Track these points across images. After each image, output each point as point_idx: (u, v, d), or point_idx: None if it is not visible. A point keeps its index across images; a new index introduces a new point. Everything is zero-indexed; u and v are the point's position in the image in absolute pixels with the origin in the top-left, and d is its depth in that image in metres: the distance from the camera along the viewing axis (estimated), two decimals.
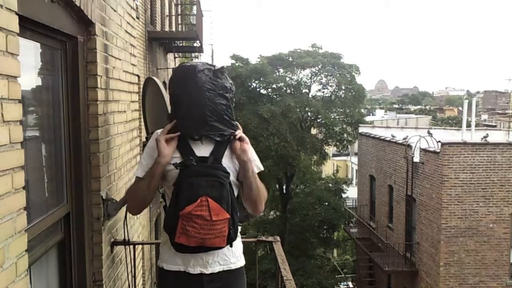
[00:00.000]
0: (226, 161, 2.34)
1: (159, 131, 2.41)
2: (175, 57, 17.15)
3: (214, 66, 2.39)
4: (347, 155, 41.20)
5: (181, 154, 2.31)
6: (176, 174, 2.26)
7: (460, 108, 66.40)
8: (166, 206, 2.38)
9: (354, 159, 35.19)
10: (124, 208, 2.98)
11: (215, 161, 2.31)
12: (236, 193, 2.39)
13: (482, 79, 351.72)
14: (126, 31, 3.44)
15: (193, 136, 2.32)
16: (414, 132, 20.61)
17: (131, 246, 3.20)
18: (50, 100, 2.36)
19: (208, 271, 2.35)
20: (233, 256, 2.41)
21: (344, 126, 25.66)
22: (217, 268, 2.36)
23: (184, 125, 2.35)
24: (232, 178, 2.34)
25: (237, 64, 25.39)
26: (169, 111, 2.48)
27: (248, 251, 4.73)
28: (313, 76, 26.08)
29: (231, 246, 2.34)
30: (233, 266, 2.41)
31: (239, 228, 2.41)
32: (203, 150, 2.34)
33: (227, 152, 2.36)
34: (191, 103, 2.30)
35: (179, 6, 19.93)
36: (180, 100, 2.34)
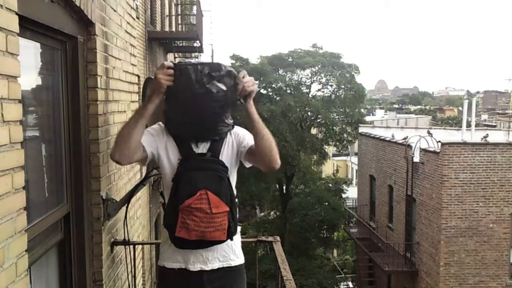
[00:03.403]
0: (224, 157, 2.36)
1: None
2: (175, 57, 17.13)
3: (211, 65, 2.32)
4: (347, 155, 41.16)
5: (179, 151, 2.32)
6: (175, 170, 2.27)
7: (460, 108, 66.31)
8: (164, 203, 2.39)
9: (354, 159, 35.17)
10: (124, 208, 2.98)
11: (213, 157, 2.32)
12: (235, 191, 2.40)
13: (482, 79, 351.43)
14: (126, 31, 3.44)
15: (191, 139, 2.34)
16: (414, 132, 20.61)
17: (131, 246, 3.20)
18: (50, 100, 2.36)
19: (208, 267, 2.36)
20: (232, 253, 2.42)
21: (344, 126, 25.66)
22: (216, 265, 2.37)
23: (181, 126, 2.35)
24: (230, 173, 2.36)
25: (237, 64, 25.37)
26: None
27: (248, 251, 4.74)
28: (313, 76, 26.08)
29: (231, 240, 2.35)
30: (232, 263, 2.42)
31: (239, 228, 2.42)
32: (200, 146, 2.36)
33: (224, 148, 2.38)
34: (188, 105, 2.28)
35: (179, 6, 19.92)
36: (177, 100, 2.31)
